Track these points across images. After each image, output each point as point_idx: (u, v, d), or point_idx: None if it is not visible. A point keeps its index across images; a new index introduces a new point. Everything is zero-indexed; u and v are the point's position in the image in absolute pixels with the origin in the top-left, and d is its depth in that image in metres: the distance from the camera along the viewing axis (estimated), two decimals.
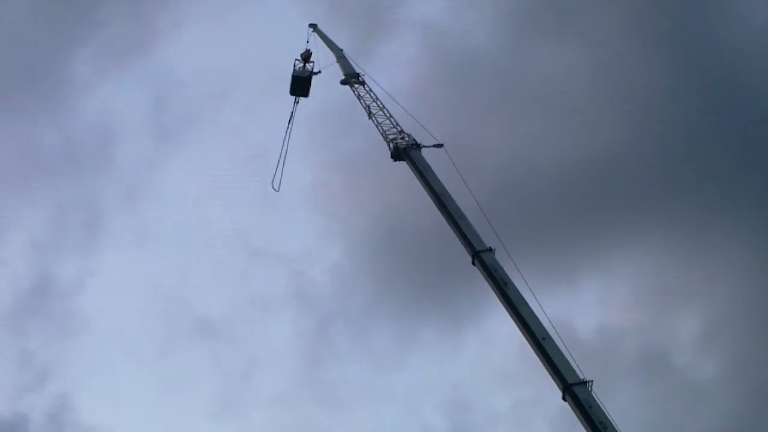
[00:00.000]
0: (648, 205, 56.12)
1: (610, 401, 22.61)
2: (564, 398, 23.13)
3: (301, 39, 39.53)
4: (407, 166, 31.46)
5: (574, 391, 22.86)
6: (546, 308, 25.14)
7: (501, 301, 25.80)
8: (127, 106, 70.93)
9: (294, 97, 39.18)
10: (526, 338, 24.84)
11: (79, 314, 60.82)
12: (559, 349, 24.00)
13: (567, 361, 23.67)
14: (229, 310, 60.29)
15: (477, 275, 27.14)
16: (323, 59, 38.85)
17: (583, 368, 23.49)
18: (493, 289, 26.28)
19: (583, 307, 54.58)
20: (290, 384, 56.31)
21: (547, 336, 24.39)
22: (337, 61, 37.93)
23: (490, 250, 26.88)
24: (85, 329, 60.81)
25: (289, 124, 39.09)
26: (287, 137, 38.87)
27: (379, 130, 32.96)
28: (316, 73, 38.72)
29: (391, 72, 58.08)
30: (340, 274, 61.46)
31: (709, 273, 54.52)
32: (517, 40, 63.98)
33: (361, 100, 35.14)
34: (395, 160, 31.93)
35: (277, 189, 38.62)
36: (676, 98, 57.55)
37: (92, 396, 58.11)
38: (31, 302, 61.36)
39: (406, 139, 32.06)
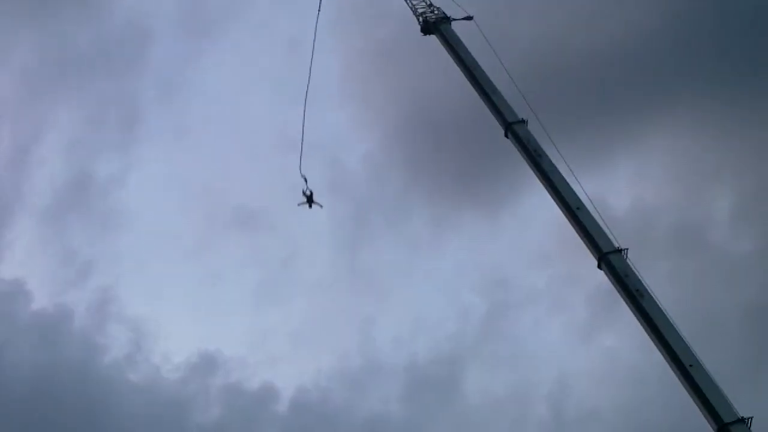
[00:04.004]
0: (681, 84, 55.43)
1: (645, 276, 22.54)
2: (599, 266, 23.08)
3: None
4: (438, 43, 31.09)
5: (610, 260, 22.82)
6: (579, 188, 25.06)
7: (535, 173, 25.64)
8: (160, 2, 70.01)
9: None
10: (561, 209, 24.72)
11: (120, 210, 61.31)
12: (593, 219, 23.87)
13: (602, 230, 23.57)
14: (267, 201, 60.16)
15: (512, 156, 27.00)
16: None
17: (617, 240, 23.44)
18: (527, 162, 26.10)
19: (618, 186, 54.35)
20: (329, 271, 56.67)
21: (581, 206, 24.26)
22: None
23: (523, 121, 26.63)
24: (125, 224, 61.36)
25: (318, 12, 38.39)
26: (316, 26, 38.20)
27: (408, 4, 32.43)
28: None
29: None
30: (374, 161, 61.43)
31: (743, 149, 54.03)
32: None
33: None
34: (425, 34, 31.49)
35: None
36: None
37: (134, 289, 59.02)
38: (71, 199, 61.85)
39: (436, 12, 31.49)
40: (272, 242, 59.97)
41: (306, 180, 32.47)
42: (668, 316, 21.25)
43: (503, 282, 57.59)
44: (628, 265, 22.61)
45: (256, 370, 55.96)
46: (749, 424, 19.31)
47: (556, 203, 24.98)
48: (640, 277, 22.27)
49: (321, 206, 32.91)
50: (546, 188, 25.30)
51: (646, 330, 21.55)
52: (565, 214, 24.67)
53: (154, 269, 61.00)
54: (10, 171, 61.91)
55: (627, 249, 22.94)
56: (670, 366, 20.74)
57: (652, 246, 49.79)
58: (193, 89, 66.95)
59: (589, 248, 23.65)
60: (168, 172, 66.38)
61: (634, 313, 21.90)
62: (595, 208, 24.13)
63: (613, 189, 52.70)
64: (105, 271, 58.77)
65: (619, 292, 22.43)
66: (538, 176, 25.56)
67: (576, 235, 24.30)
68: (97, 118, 64.30)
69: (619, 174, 56.05)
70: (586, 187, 24.88)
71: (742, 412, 19.39)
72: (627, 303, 22.12)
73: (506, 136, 26.81)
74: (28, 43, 64.99)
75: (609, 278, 22.75)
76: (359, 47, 58.28)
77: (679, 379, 20.44)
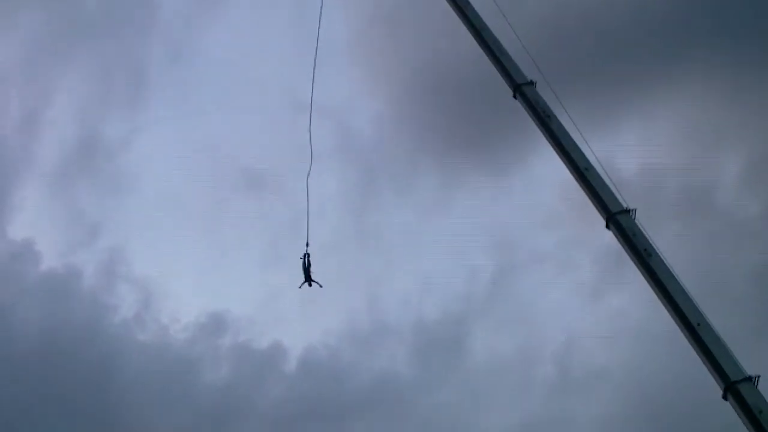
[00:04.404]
0: (691, 44, 55.25)
1: (653, 237, 22.60)
2: (608, 227, 23.17)
3: None
4: (446, 4, 30.91)
5: (618, 220, 22.84)
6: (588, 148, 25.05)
7: (543, 134, 25.61)
8: None
9: None
10: (570, 170, 24.77)
11: (128, 171, 61.86)
12: (602, 179, 23.91)
13: (610, 191, 23.62)
14: (275, 163, 60.39)
15: (521, 118, 26.97)
16: None
17: (626, 201, 23.50)
18: (535, 123, 26.08)
19: (626, 148, 54.45)
20: (338, 232, 56.88)
21: (589, 167, 24.27)
22: None
23: (532, 83, 26.59)
24: (133, 186, 61.88)
25: None
26: None
27: None
28: None
29: None
30: (383, 123, 61.51)
31: (752, 112, 53.92)
32: None
33: None
34: None
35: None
36: None
37: (143, 250, 59.60)
38: (79, 161, 62.29)
39: None
40: (280, 203, 60.23)
41: (308, 256, 31.53)
42: (676, 276, 21.37)
43: (511, 243, 58.06)
44: (636, 225, 22.65)
45: (264, 329, 56.53)
46: (756, 383, 19.40)
47: (565, 164, 25.00)
48: (649, 238, 22.35)
49: (320, 285, 31.86)
50: (554, 149, 25.34)
51: (653, 289, 21.62)
52: (573, 175, 24.68)
53: (163, 230, 61.62)
54: (19, 133, 62.19)
55: (635, 209, 23.02)
56: (678, 325, 20.84)
57: (660, 208, 49.93)
58: (200, 51, 67.06)
59: (597, 208, 23.68)
60: (176, 133, 66.78)
61: (641, 273, 21.97)
62: (604, 169, 24.23)
63: (622, 151, 52.86)
64: (113, 232, 59.35)
65: (627, 251, 22.49)
66: (546, 137, 25.58)
67: (584, 197, 24.34)
68: (105, 81, 64.56)
69: (627, 136, 56.18)
70: (594, 149, 24.99)
71: (749, 372, 19.48)
72: (635, 262, 22.17)
73: (515, 97, 26.82)
74: (35, 6, 64.96)
75: (617, 238, 22.81)
76: (368, 9, 58.17)
77: (687, 338, 20.55)
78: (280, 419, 49.91)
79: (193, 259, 60.89)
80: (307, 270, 31.10)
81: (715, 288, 44.00)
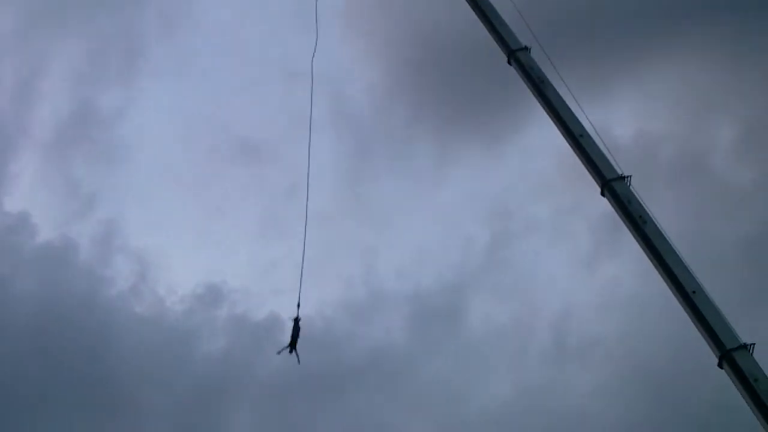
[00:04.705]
0: (687, 12, 55.01)
1: (648, 204, 22.48)
2: (603, 194, 23.03)
3: None
4: None
5: (613, 187, 22.69)
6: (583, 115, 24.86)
7: (538, 100, 25.40)
8: None
9: None
10: (565, 137, 24.59)
11: (123, 142, 61.38)
12: (597, 146, 23.75)
13: (605, 157, 23.45)
14: (270, 133, 60.22)
15: (516, 87, 26.74)
16: None
17: (621, 168, 23.36)
18: (530, 89, 25.87)
19: (621, 115, 54.32)
20: (333, 203, 56.46)
21: (584, 133, 24.10)
22: None
23: (526, 48, 26.36)
24: (128, 157, 61.52)
25: None
26: None
27: None
28: None
29: None
30: (378, 93, 61.27)
31: (747, 78, 53.77)
32: None
33: None
34: None
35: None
36: None
37: (139, 221, 59.26)
38: (74, 132, 61.92)
39: None
40: (275, 174, 60.02)
41: (299, 320, 28.88)
42: (671, 243, 21.26)
43: (506, 212, 57.83)
44: (631, 192, 22.53)
45: (261, 300, 56.36)
46: (751, 351, 19.31)
47: (560, 131, 24.81)
48: (644, 205, 22.23)
49: (299, 362, 28.72)
50: (549, 116, 25.15)
51: (649, 257, 21.53)
52: (568, 142, 24.50)
53: (158, 201, 61.39)
54: (14, 104, 61.94)
55: (630, 176, 22.87)
56: (673, 293, 20.75)
57: (656, 175, 49.84)
58: (195, 21, 66.60)
59: (592, 175, 23.52)
60: (170, 104, 66.21)
61: (637, 241, 21.87)
62: (599, 136, 24.09)
63: (617, 118, 52.76)
64: (109, 203, 59.16)
65: (622, 219, 22.39)
66: (541, 103, 25.38)
67: (579, 165, 24.20)
68: (99, 51, 64.12)
69: (623, 103, 56.00)
70: (589, 116, 24.82)
71: (745, 339, 19.40)
72: (630, 230, 22.07)
73: (509, 63, 26.60)
74: None
75: (612, 205, 22.69)
76: None
77: (682, 306, 20.48)
78: (277, 389, 49.88)
79: (189, 231, 60.90)
80: (295, 337, 28.56)
81: (710, 255, 43.94)
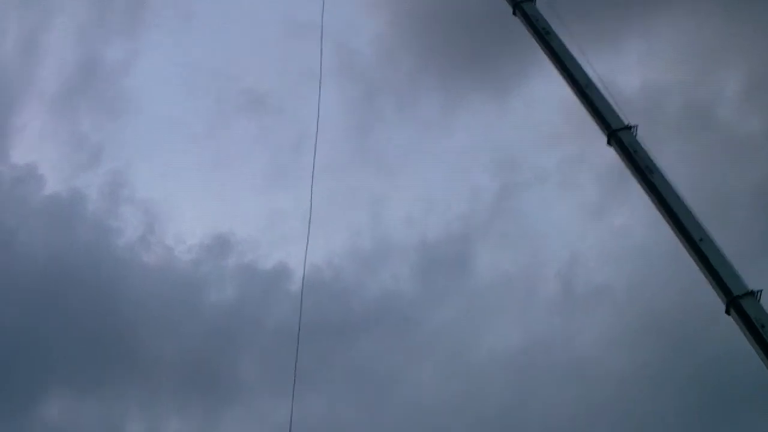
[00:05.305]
0: None
1: (654, 154, 22.52)
2: (609, 143, 23.09)
3: None
4: None
5: (619, 136, 22.74)
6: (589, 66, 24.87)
7: (543, 51, 25.48)
8: None
9: None
10: (571, 87, 24.62)
11: (128, 94, 61.28)
12: (602, 96, 23.80)
13: (611, 107, 23.49)
14: (276, 84, 60.05)
15: (522, 37, 26.71)
16: None
17: (627, 118, 23.37)
18: (535, 40, 25.91)
19: (627, 65, 53.99)
20: (340, 153, 56.46)
21: (590, 83, 24.15)
22: None
23: None
24: (134, 109, 61.31)
25: None
26: None
27: None
28: None
29: None
30: (384, 44, 61.03)
31: (754, 27, 53.41)
32: None
33: None
34: None
35: None
36: None
37: (145, 173, 59.41)
38: (79, 85, 61.86)
39: None
40: (282, 125, 60.00)
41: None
42: (678, 191, 21.33)
43: (513, 162, 57.81)
44: (638, 142, 22.56)
45: (269, 250, 56.59)
46: (759, 297, 19.42)
47: (566, 81, 24.85)
48: (649, 153, 22.29)
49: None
50: (555, 66, 25.20)
51: (655, 206, 21.60)
52: (574, 92, 24.52)
53: (165, 153, 61.64)
54: (19, 57, 61.87)
55: (636, 125, 22.89)
56: (680, 241, 20.83)
57: (662, 124, 49.72)
58: None
59: (598, 125, 23.58)
60: (176, 56, 66.06)
61: (643, 190, 21.91)
62: (605, 86, 24.09)
63: (623, 69, 52.39)
64: (116, 155, 59.12)
65: (629, 168, 22.44)
66: (546, 54, 25.41)
67: (586, 115, 24.18)
68: (104, 3, 63.94)
69: (628, 54, 55.66)
70: (595, 67, 24.81)
71: (752, 286, 19.48)
72: (637, 179, 22.11)
73: (514, 14, 26.57)
74: None
75: (618, 155, 22.75)
76: None
77: (690, 254, 20.57)
78: (286, 337, 50.20)
79: (196, 181, 60.97)
80: None
81: (716, 203, 43.98)
